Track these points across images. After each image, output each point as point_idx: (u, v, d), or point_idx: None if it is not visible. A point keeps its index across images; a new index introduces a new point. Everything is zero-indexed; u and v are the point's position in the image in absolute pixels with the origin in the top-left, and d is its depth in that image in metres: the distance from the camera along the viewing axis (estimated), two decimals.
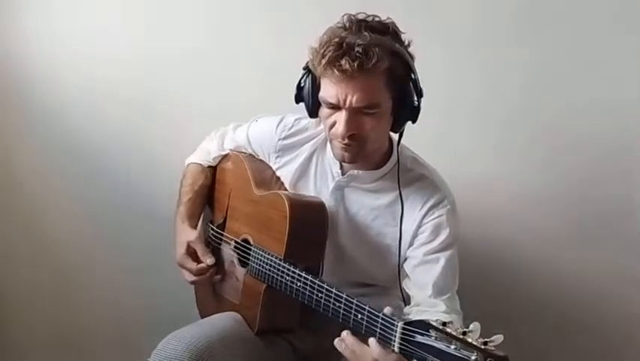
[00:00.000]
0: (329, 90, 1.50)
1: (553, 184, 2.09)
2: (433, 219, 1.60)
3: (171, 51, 2.19)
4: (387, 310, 1.40)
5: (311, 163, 1.72)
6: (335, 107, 1.52)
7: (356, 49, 1.43)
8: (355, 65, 1.43)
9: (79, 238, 2.32)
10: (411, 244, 1.62)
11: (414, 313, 1.56)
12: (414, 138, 1.65)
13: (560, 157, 2.08)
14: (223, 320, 1.67)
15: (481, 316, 1.50)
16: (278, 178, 1.77)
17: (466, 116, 2.12)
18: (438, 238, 1.60)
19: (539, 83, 2.07)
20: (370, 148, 1.58)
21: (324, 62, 1.46)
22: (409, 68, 1.50)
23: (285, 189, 1.74)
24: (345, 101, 1.49)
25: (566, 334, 2.11)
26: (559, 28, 2.05)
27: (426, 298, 1.57)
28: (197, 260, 1.76)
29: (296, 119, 1.74)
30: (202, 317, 1.84)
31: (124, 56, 2.20)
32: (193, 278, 1.76)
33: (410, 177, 1.64)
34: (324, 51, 1.46)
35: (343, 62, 1.43)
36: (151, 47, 2.20)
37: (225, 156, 1.89)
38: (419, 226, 1.61)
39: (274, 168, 1.79)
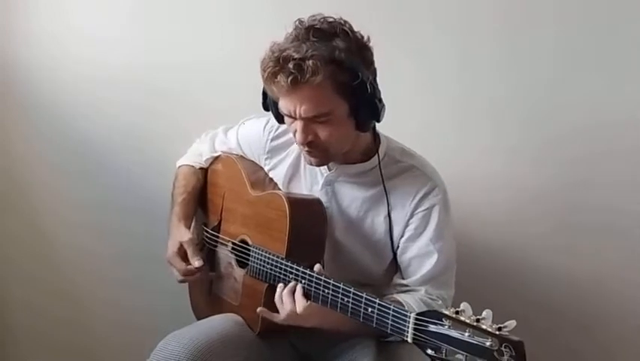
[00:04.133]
0: (281, 102, 1.53)
1: (550, 183, 2.08)
2: (425, 209, 1.62)
3: (171, 52, 2.20)
4: (316, 267, 1.49)
5: (300, 161, 1.73)
6: (291, 117, 1.54)
7: (289, 64, 1.44)
8: (289, 80, 1.44)
9: (78, 238, 2.32)
10: (402, 235, 1.64)
11: (396, 295, 1.61)
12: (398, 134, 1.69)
13: (554, 156, 2.08)
14: (223, 321, 1.67)
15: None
16: (271, 179, 1.78)
17: (462, 115, 2.13)
18: (429, 227, 1.62)
19: (529, 81, 2.06)
20: (335, 152, 1.59)
21: (264, 77, 1.50)
22: (353, 72, 1.47)
23: (279, 189, 1.75)
24: (294, 112, 1.51)
25: (561, 335, 2.11)
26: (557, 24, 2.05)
27: (411, 283, 1.62)
28: (186, 261, 1.76)
29: None
30: (197, 319, 1.84)
31: (124, 57, 2.21)
32: (181, 278, 1.78)
33: (399, 168, 1.66)
34: (265, 66, 1.49)
35: (279, 78, 1.46)
36: (151, 48, 2.21)
37: (217, 157, 1.90)
38: (411, 216, 1.63)
39: (265, 169, 1.80)
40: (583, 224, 2.07)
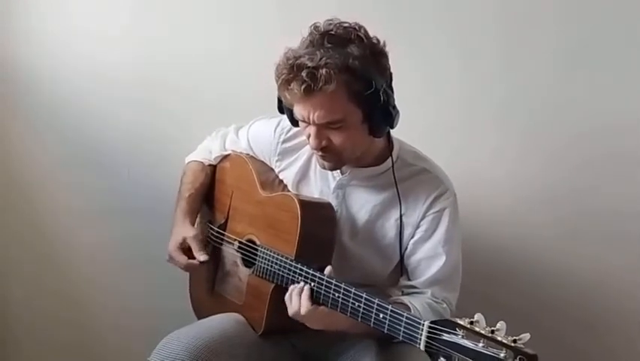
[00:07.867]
0: (295, 107, 1.54)
1: (556, 185, 2.09)
2: (436, 211, 1.63)
3: (173, 51, 2.20)
4: (327, 270, 1.50)
5: (311, 164, 1.73)
6: (305, 122, 1.55)
7: (303, 72, 1.44)
8: (302, 88, 1.45)
9: (79, 238, 2.33)
10: (412, 236, 1.65)
11: (402, 296, 1.62)
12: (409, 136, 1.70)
13: (560, 158, 2.08)
14: (223, 321, 1.67)
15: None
16: (281, 180, 1.78)
17: (465, 117, 2.12)
18: (439, 230, 1.63)
19: (534, 83, 2.06)
20: (349, 157, 1.60)
21: (278, 83, 1.50)
22: (367, 80, 1.48)
23: (289, 191, 1.75)
24: (308, 117, 1.52)
25: (566, 334, 2.11)
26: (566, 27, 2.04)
27: (418, 284, 1.62)
28: (188, 255, 1.78)
29: None
30: (198, 317, 1.85)
31: (126, 56, 2.21)
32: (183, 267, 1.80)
33: (412, 171, 1.66)
34: (279, 73, 1.49)
35: (292, 85, 1.46)
36: (153, 47, 2.21)
37: (227, 155, 1.89)
38: (422, 218, 1.64)
39: (276, 171, 1.80)
40: (588, 225, 2.08)
